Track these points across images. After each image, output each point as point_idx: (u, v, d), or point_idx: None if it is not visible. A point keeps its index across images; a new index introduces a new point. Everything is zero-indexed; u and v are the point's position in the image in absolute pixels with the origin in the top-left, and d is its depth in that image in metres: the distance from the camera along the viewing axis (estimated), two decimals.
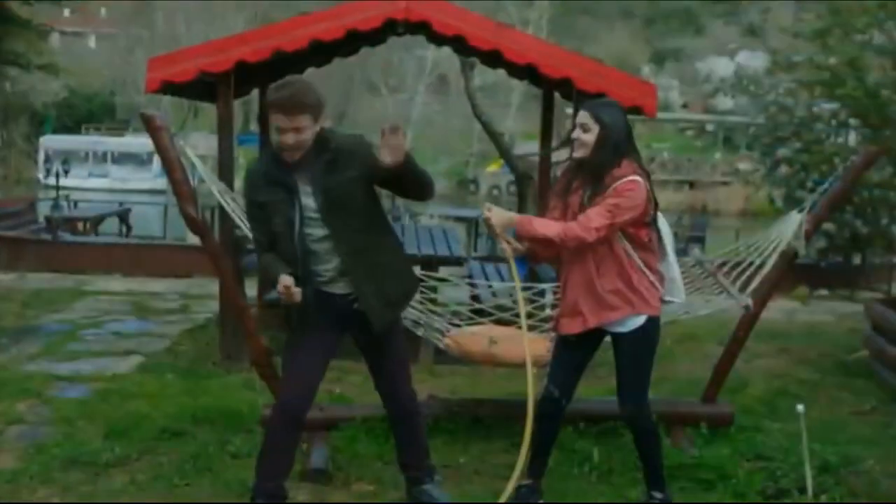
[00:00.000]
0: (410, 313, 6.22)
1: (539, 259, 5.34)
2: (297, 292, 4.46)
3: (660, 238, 5.02)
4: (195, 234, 5.65)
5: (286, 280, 4.46)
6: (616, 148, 4.82)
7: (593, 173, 4.84)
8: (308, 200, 4.54)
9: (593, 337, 5.06)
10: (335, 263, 4.63)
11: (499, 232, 4.86)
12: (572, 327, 5.00)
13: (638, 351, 4.99)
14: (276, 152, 4.54)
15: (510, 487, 4.86)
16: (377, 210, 4.76)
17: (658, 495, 5.17)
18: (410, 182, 4.53)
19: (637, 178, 4.79)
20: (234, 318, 6.78)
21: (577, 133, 4.90)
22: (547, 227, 4.82)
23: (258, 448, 4.95)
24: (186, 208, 5.34)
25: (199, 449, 5.95)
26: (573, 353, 5.14)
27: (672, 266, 5.05)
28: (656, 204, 4.96)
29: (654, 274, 4.95)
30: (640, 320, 4.90)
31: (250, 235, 5.00)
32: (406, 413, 5.02)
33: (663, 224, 5.06)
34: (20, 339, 9.27)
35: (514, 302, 5.78)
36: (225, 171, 8.01)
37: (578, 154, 4.89)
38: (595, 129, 4.83)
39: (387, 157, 4.28)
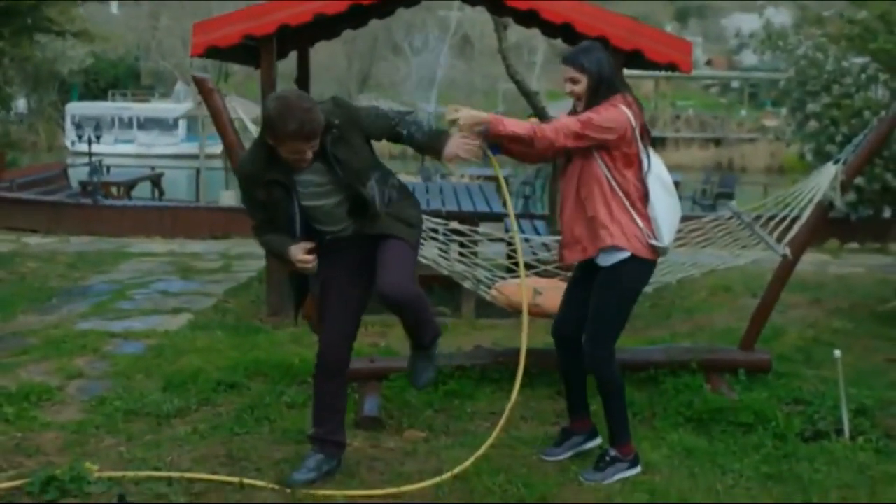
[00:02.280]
0: (457, 267, 6.39)
1: (512, 155, 5.20)
2: (312, 260, 4.64)
3: (648, 176, 4.86)
4: None
5: (301, 251, 4.62)
6: (608, 89, 4.81)
7: None
8: (315, 177, 4.61)
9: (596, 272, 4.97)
10: (349, 222, 4.77)
11: (467, 132, 4.76)
12: (573, 256, 4.97)
13: (608, 287, 4.88)
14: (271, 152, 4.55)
15: (495, 434, 4.99)
16: (375, 162, 4.79)
17: (613, 452, 5.04)
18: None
19: (620, 105, 4.77)
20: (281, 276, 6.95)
21: (568, 87, 4.88)
22: (519, 125, 4.75)
23: (313, 398, 5.10)
24: None
25: (256, 400, 6.12)
26: (582, 289, 5.04)
27: (656, 207, 4.84)
28: (648, 137, 4.89)
29: (640, 215, 4.83)
30: (620, 256, 4.80)
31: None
32: (388, 301, 4.72)
33: (656, 163, 4.91)
34: (70, 300, 9.51)
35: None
36: None
37: (579, 109, 4.87)
38: (583, 79, 4.80)
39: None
